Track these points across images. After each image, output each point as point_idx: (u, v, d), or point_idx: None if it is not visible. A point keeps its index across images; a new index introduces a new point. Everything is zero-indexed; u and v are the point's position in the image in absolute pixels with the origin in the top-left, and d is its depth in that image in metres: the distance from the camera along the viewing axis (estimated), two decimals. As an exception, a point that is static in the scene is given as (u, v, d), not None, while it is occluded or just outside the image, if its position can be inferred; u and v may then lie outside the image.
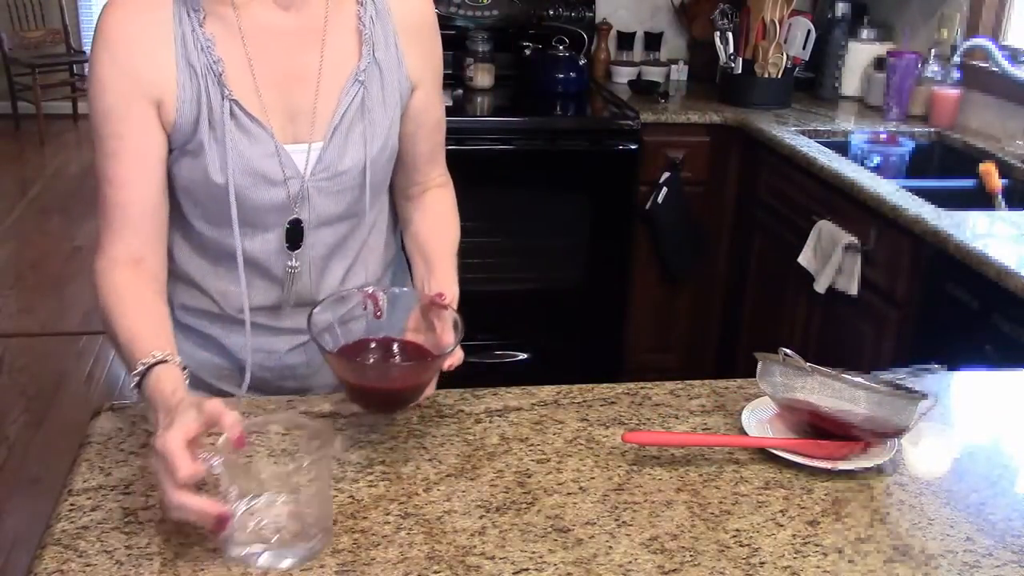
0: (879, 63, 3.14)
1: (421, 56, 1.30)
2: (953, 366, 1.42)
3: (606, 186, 3.00)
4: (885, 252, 2.25)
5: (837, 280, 2.39)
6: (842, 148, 2.71)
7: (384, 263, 1.40)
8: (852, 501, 1.06)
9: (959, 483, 1.11)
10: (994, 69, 2.67)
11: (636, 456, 1.13)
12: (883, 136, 2.77)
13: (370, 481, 1.06)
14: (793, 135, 2.76)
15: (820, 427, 1.14)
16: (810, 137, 2.77)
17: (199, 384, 1.32)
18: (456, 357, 1.13)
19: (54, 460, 2.97)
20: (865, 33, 3.23)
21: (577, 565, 0.94)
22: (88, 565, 0.91)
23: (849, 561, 0.96)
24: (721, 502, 1.05)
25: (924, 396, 1.11)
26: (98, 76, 1.15)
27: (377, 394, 1.12)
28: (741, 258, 3.05)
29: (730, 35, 3.15)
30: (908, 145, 2.71)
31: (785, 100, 3.12)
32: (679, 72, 3.47)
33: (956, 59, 2.75)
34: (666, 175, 3.02)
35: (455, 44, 3.21)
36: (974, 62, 2.82)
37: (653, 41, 3.54)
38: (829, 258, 2.40)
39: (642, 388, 1.28)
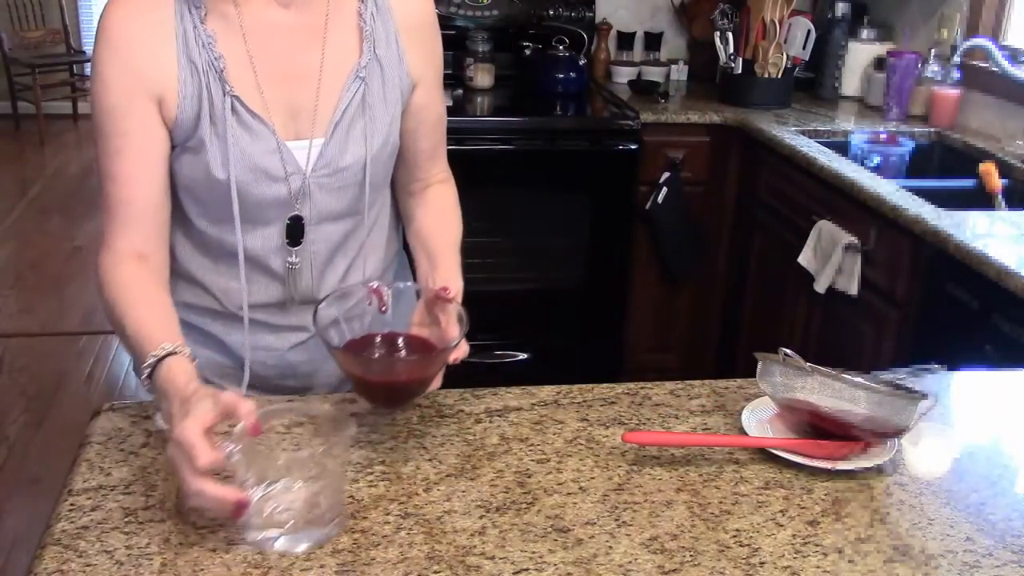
0: (879, 63, 3.14)
1: (422, 54, 1.30)
2: (953, 366, 1.42)
3: (606, 186, 3.00)
4: (885, 252, 2.25)
5: (837, 280, 2.39)
6: (842, 148, 2.71)
7: (385, 261, 1.40)
8: (852, 501, 1.06)
9: (959, 483, 1.11)
10: (994, 69, 2.67)
11: (636, 456, 1.13)
12: (883, 136, 2.77)
13: (370, 481, 1.06)
14: (793, 135, 2.76)
15: (820, 427, 1.14)
16: (810, 137, 2.77)
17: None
18: (461, 350, 1.13)
19: (54, 460, 2.97)
20: (865, 33, 3.23)
21: (577, 565, 0.94)
22: (88, 565, 0.91)
23: (849, 561, 0.96)
24: (721, 502, 1.05)
25: (924, 396, 1.11)
26: (101, 74, 1.16)
27: (383, 388, 1.13)
28: (741, 258, 3.05)
29: (730, 35, 3.15)
30: (908, 145, 2.71)
31: (785, 100, 3.12)
32: (679, 72, 3.47)
33: (956, 59, 2.75)
34: (666, 175, 3.02)
35: (455, 44, 3.22)
36: (974, 62, 2.82)
37: (653, 41, 3.54)
38: (829, 258, 2.40)
39: (642, 388, 1.28)
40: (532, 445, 1.14)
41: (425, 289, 1.22)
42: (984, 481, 1.11)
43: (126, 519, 0.98)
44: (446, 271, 1.28)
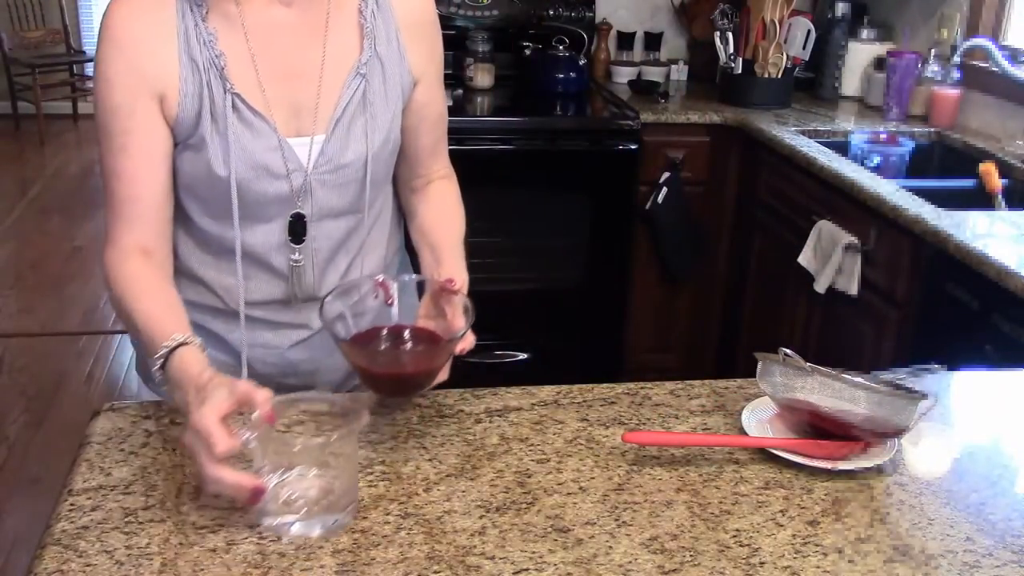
0: (879, 63, 3.14)
1: (423, 51, 1.31)
2: (953, 366, 1.42)
3: (606, 186, 3.00)
4: (885, 252, 2.25)
5: (837, 280, 2.39)
6: (842, 148, 2.71)
7: (387, 258, 1.40)
8: (852, 501, 1.06)
9: (959, 483, 1.11)
10: (994, 69, 2.67)
11: (636, 456, 1.13)
12: (883, 136, 2.77)
13: (370, 481, 1.06)
14: (793, 135, 2.76)
15: (820, 427, 1.14)
16: (810, 137, 2.77)
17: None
18: (468, 341, 1.14)
19: (54, 460, 2.97)
20: (865, 33, 3.23)
21: (577, 565, 0.94)
22: (88, 565, 0.91)
23: (849, 561, 0.96)
24: (721, 502, 1.05)
25: (924, 396, 1.11)
26: (104, 73, 1.17)
27: (390, 379, 1.14)
28: (741, 258, 3.05)
29: (730, 35, 3.15)
30: (908, 145, 2.71)
31: (785, 100, 3.12)
32: (679, 72, 3.47)
33: (956, 59, 2.75)
34: (666, 175, 3.02)
35: (455, 44, 3.21)
36: (974, 62, 2.82)
37: (653, 41, 3.54)
38: (829, 258, 2.40)
39: (642, 388, 1.28)
40: (532, 445, 1.14)
41: (431, 281, 1.23)
42: (984, 481, 1.11)
43: (126, 519, 0.98)
44: (451, 264, 1.28)
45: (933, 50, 2.97)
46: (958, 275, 1.97)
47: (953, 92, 2.85)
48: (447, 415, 1.20)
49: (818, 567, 0.95)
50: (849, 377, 1.11)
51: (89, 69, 6.99)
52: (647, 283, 3.17)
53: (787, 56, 3.08)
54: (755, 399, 1.22)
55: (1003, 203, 2.40)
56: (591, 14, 3.40)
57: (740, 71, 3.12)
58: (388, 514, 1.01)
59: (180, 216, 1.27)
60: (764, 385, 1.17)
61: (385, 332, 1.19)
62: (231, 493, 0.95)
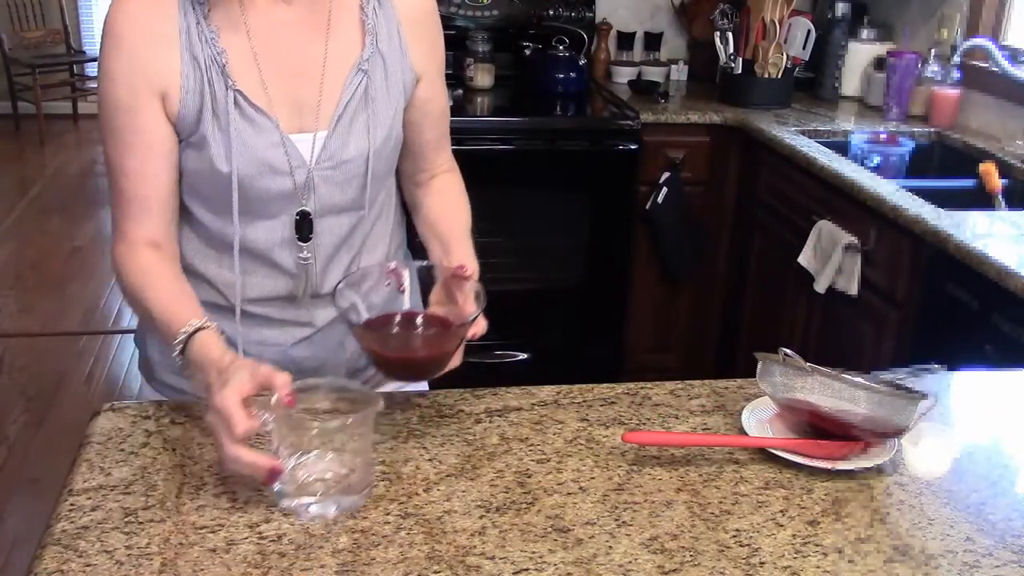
0: (879, 63, 3.14)
1: (425, 47, 1.32)
2: (953, 366, 1.42)
3: (606, 186, 3.00)
4: (885, 252, 2.25)
5: (837, 280, 2.39)
6: (842, 148, 2.71)
7: (389, 254, 1.41)
8: (852, 501, 1.06)
9: (959, 483, 1.11)
10: (994, 69, 2.67)
11: (636, 456, 1.13)
12: (883, 136, 2.77)
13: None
14: (793, 135, 2.76)
15: (820, 427, 1.14)
16: (810, 137, 2.77)
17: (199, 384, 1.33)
18: (479, 326, 1.15)
19: (54, 460, 2.96)
20: (865, 33, 3.22)
21: (577, 565, 0.94)
22: (88, 565, 0.91)
23: (849, 561, 0.96)
24: (721, 502, 1.05)
25: (924, 396, 1.11)
26: (108, 71, 1.18)
27: (403, 363, 1.15)
28: (741, 258, 3.05)
29: (730, 35, 3.15)
30: (908, 145, 2.71)
31: (785, 100, 3.12)
32: (679, 72, 3.47)
33: (956, 59, 2.75)
34: (666, 175, 3.02)
35: (455, 44, 3.21)
36: (974, 62, 2.82)
37: (653, 41, 3.54)
38: (829, 258, 2.40)
39: (642, 388, 1.28)
40: (532, 445, 1.14)
41: (442, 268, 1.24)
42: (984, 481, 1.11)
43: (126, 519, 0.98)
44: (460, 253, 1.30)
45: (933, 50, 2.97)
46: (958, 275, 1.97)
47: (953, 92, 2.85)
48: (447, 415, 1.20)
49: (818, 567, 0.95)
50: (849, 377, 1.11)
51: (89, 69, 7.00)
52: (647, 283, 3.17)
53: (787, 56, 3.08)
54: (755, 399, 1.22)
55: (1003, 203, 2.40)
56: (591, 14, 3.40)
57: (740, 71, 3.12)
58: (388, 514, 1.01)
59: (183, 213, 1.28)
60: (764, 385, 1.17)
61: (398, 318, 1.21)
62: (249, 472, 0.98)
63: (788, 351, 1.14)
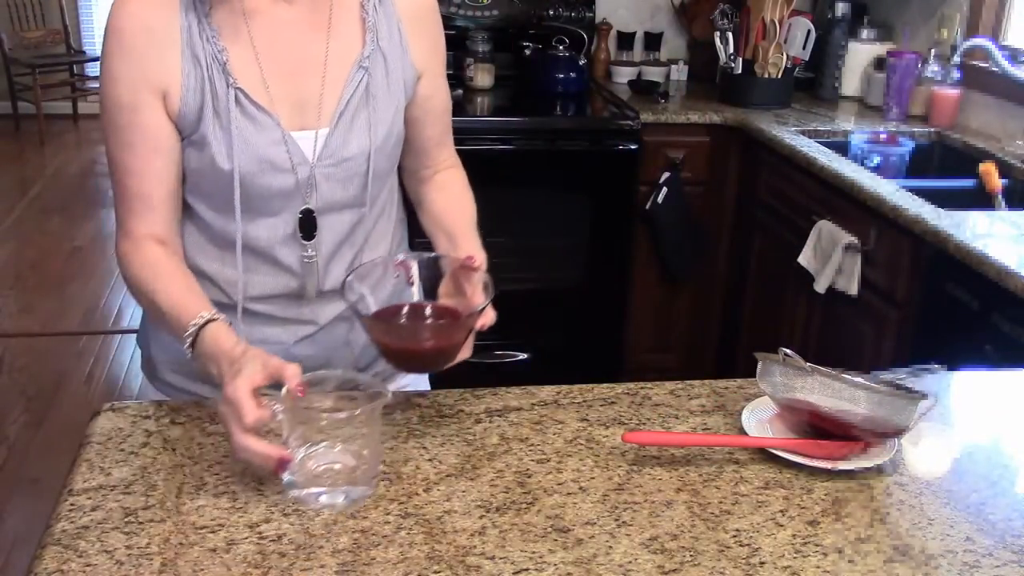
0: (879, 63, 3.14)
1: (426, 44, 1.32)
2: (953, 366, 1.42)
3: (606, 186, 3.00)
4: (885, 252, 2.25)
5: (837, 280, 2.39)
6: (842, 148, 2.71)
7: (391, 252, 1.41)
8: (852, 501, 1.06)
9: (959, 483, 1.11)
10: (994, 69, 2.67)
11: (636, 456, 1.13)
12: (883, 136, 2.77)
13: (370, 481, 1.06)
14: (793, 135, 2.76)
15: (820, 427, 1.14)
16: (810, 137, 2.77)
17: (208, 378, 1.33)
18: (488, 317, 1.16)
19: (54, 460, 2.96)
20: (865, 33, 3.22)
21: (577, 565, 0.94)
22: (88, 565, 0.92)
23: (849, 561, 0.96)
24: (721, 502, 1.05)
25: (924, 396, 1.11)
26: (110, 70, 1.19)
27: (412, 354, 1.16)
28: (741, 258, 3.05)
29: (730, 35, 3.14)
30: (908, 145, 2.71)
31: (785, 100, 3.12)
32: (679, 72, 3.47)
33: (956, 59, 2.75)
34: (666, 175, 3.02)
35: (455, 44, 3.21)
36: (974, 62, 2.82)
37: (653, 41, 3.54)
38: (829, 258, 2.40)
39: (642, 388, 1.28)
40: (532, 445, 1.14)
41: (451, 260, 1.24)
42: (984, 481, 1.11)
43: (126, 519, 0.98)
44: (467, 245, 1.30)
45: (933, 50, 2.97)
46: (958, 275, 1.97)
47: (953, 92, 2.85)
48: (447, 415, 1.20)
49: (818, 567, 0.95)
50: (849, 377, 1.11)
51: (89, 69, 7.00)
52: (647, 283, 3.17)
53: (787, 56, 3.08)
54: (755, 399, 1.22)
55: (1003, 203, 2.40)
56: (591, 14, 3.40)
57: (740, 71, 3.12)
58: (388, 514, 1.01)
59: (186, 211, 1.28)
60: (764, 385, 1.17)
61: (406, 309, 1.21)
62: (259, 462, 1.01)
63: (788, 351, 1.14)
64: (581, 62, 3.24)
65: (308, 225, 1.27)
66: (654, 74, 3.43)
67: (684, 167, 3.05)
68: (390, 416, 1.18)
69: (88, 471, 1.06)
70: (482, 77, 3.22)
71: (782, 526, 1.01)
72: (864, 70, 3.22)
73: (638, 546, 0.97)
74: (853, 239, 2.33)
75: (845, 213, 2.40)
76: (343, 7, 1.26)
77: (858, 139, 2.74)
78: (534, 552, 0.96)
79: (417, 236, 1.44)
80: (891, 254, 2.23)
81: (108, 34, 1.18)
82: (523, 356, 3.10)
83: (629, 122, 2.96)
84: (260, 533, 0.97)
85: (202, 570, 0.91)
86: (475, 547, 0.96)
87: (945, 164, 2.80)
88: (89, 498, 1.01)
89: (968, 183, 2.49)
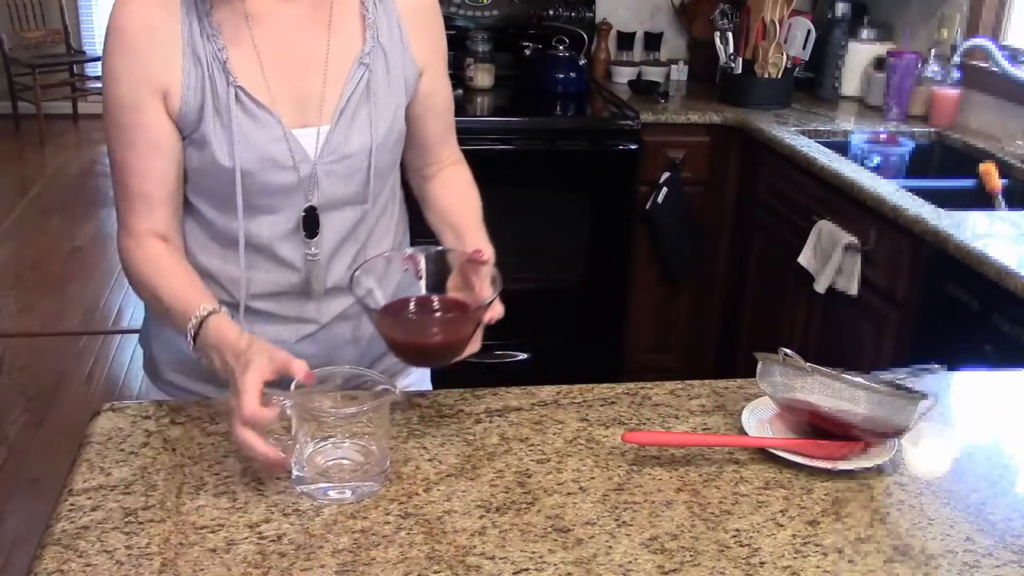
0: (879, 63, 3.14)
1: (426, 41, 1.33)
2: (953, 366, 1.42)
3: (606, 186, 3.00)
4: (885, 252, 2.25)
5: (837, 280, 2.39)
6: (842, 148, 2.71)
7: (393, 249, 1.41)
8: (852, 501, 1.06)
9: (959, 483, 1.11)
10: (994, 69, 2.67)
11: (636, 456, 1.13)
12: (883, 136, 2.77)
13: (370, 481, 1.06)
14: (793, 135, 2.76)
15: (820, 427, 1.14)
16: (810, 137, 2.77)
17: (210, 377, 1.33)
18: (495, 311, 1.17)
19: (54, 460, 2.96)
20: (865, 33, 3.22)
21: (577, 565, 0.94)
22: (88, 565, 0.92)
23: (849, 561, 0.96)
24: (721, 502, 1.05)
25: (924, 396, 1.11)
26: (111, 69, 1.19)
27: (420, 348, 1.17)
28: (741, 258, 3.05)
29: (730, 35, 3.14)
30: (908, 145, 2.71)
31: (785, 100, 3.12)
32: (679, 72, 3.47)
33: (956, 59, 2.75)
34: (666, 175, 3.02)
35: (455, 44, 3.21)
36: (974, 62, 2.82)
37: (653, 41, 3.54)
38: (829, 258, 2.40)
39: (642, 388, 1.28)
40: (532, 445, 1.14)
41: (459, 253, 1.25)
42: (984, 481, 1.11)
43: (126, 519, 0.98)
44: (474, 240, 1.30)
45: (933, 50, 2.97)
46: (958, 275, 1.97)
47: (953, 92, 2.85)
48: (447, 415, 1.20)
49: (818, 567, 0.95)
50: (849, 377, 1.11)
51: (89, 69, 7.00)
52: (647, 283, 3.17)
53: (787, 56, 3.08)
54: (755, 399, 1.22)
55: (1003, 203, 2.40)
56: (591, 14, 3.40)
57: (740, 71, 3.12)
58: (388, 514, 1.01)
59: (188, 209, 1.29)
60: (764, 385, 1.17)
61: (414, 303, 1.21)
62: (253, 460, 1.03)
63: (788, 351, 1.14)
64: (581, 62, 3.24)
65: (311, 222, 1.27)
66: (654, 74, 3.43)
67: (684, 167, 3.05)
68: (391, 416, 1.18)
69: (88, 471, 1.06)
70: (482, 77, 3.22)
71: (782, 526, 1.01)
72: (864, 70, 3.22)
73: (638, 546, 0.97)
74: (853, 239, 2.33)
75: (845, 213, 2.40)
76: (343, 5, 1.26)
77: (858, 139, 2.75)
78: (534, 552, 0.96)
79: (417, 236, 1.44)
80: (891, 254, 2.23)
81: (109, 33, 1.19)
82: (523, 356, 3.10)
83: (629, 122, 2.96)
84: (260, 533, 0.97)
85: (202, 570, 0.91)
86: (475, 547, 0.96)
87: (945, 164, 2.80)
88: (89, 498, 1.01)
89: (968, 183, 2.49)
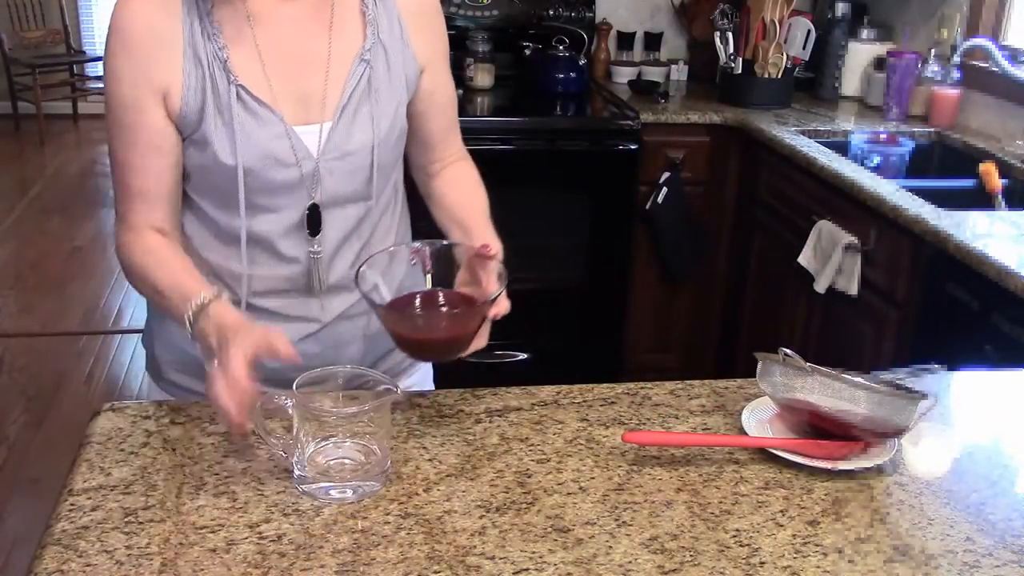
0: (879, 63, 3.14)
1: (427, 38, 1.33)
2: (953, 366, 1.42)
3: (606, 186, 3.00)
4: (885, 252, 2.25)
5: (837, 280, 2.39)
6: (842, 148, 2.71)
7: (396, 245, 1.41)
8: (852, 501, 1.06)
9: (959, 483, 1.11)
10: (994, 69, 2.67)
11: (636, 456, 1.13)
12: (883, 136, 2.77)
13: (370, 481, 1.06)
14: (793, 135, 2.76)
15: (820, 427, 1.14)
16: (810, 137, 2.77)
17: None
18: (501, 306, 1.17)
19: (54, 460, 2.96)
20: (865, 33, 3.22)
21: (577, 565, 0.94)
22: (88, 565, 0.91)
23: (849, 561, 0.96)
24: (721, 502, 1.05)
25: (924, 396, 1.11)
26: (112, 69, 1.20)
27: (425, 343, 1.17)
28: (741, 258, 3.05)
29: (730, 35, 3.14)
30: (908, 145, 2.71)
31: (785, 100, 3.12)
32: (679, 72, 3.47)
33: (956, 59, 2.75)
34: (666, 175, 3.02)
35: (455, 44, 3.17)
36: (974, 62, 2.82)
37: (653, 41, 3.54)
38: (829, 258, 2.40)
39: (642, 388, 1.28)
40: (532, 445, 1.14)
41: (466, 248, 1.25)
42: (984, 481, 1.11)
43: (126, 519, 0.98)
44: (482, 235, 1.30)
45: (933, 50, 2.97)
46: (958, 275, 1.97)
47: (953, 92, 2.85)
48: (447, 415, 1.20)
49: (818, 567, 0.95)
50: (849, 377, 1.11)
51: (89, 69, 7.00)
52: (647, 283, 3.17)
53: (787, 56, 3.08)
54: (755, 399, 1.22)
55: (1003, 203, 2.40)
56: (591, 14, 3.40)
57: (740, 71, 3.12)
58: (388, 514, 1.01)
59: (191, 207, 1.29)
60: (764, 385, 1.17)
61: (419, 298, 1.22)
62: (222, 416, 1.04)
63: (788, 351, 1.14)
64: (581, 62, 3.24)
65: (314, 220, 1.28)
66: (654, 74, 3.43)
67: (684, 167, 3.05)
68: (391, 416, 1.18)
69: (88, 471, 1.06)
70: (482, 77, 3.22)
71: (782, 526, 1.01)
72: (864, 70, 3.22)
73: (638, 546, 0.97)
74: (853, 239, 2.33)
75: (845, 213, 2.40)
76: (344, 5, 1.27)
77: (858, 139, 2.75)
78: (534, 552, 0.96)
79: (419, 234, 1.44)
80: (891, 254, 2.23)
81: (111, 33, 1.19)
82: (523, 356, 3.10)
83: (629, 122, 2.96)
84: (260, 533, 0.97)
85: (202, 570, 0.91)
86: (475, 547, 0.96)
87: (945, 164, 2.80)
88: (89, 498, 1.01)
89: (968, 183, 2.49)
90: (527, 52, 3.30)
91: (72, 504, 1.00)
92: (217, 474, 1.06)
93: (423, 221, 1.44)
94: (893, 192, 2.25)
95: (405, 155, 1.40)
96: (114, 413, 1.18)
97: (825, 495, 1.07)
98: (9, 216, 5.24)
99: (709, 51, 3.28)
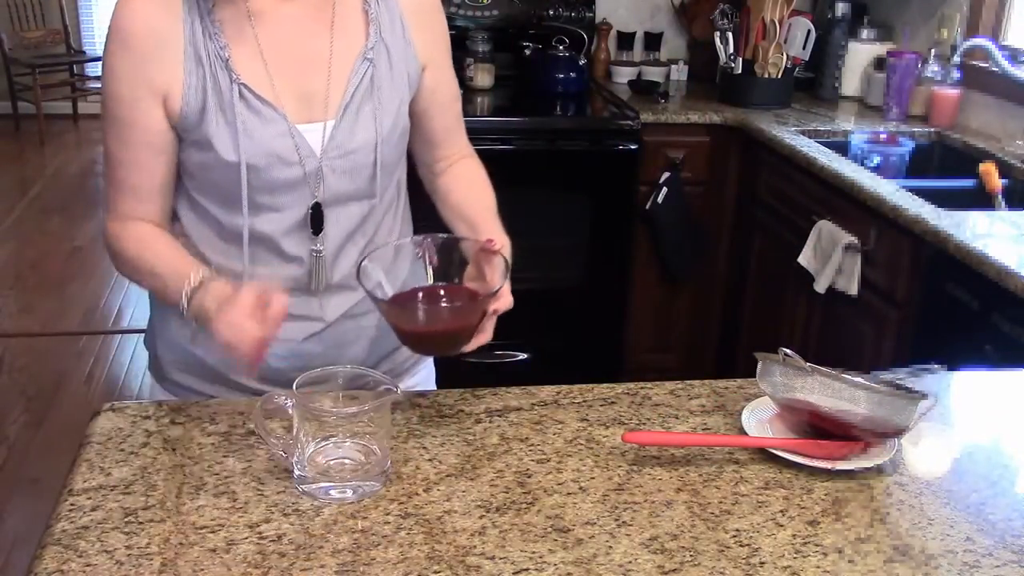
0: (879, 63, 3.14)
1: (428, 37, 1.34)
2: (953, 366, 1.42)
3: (606, 186, 3.00)
4: (885, 252, 2.25)
5: (837, 280, 2.39)
6: (842, 148, 2.71)
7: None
8: (852, 501, 1.06)
9: (959, 483, 1.11)
10: (994, 69, 2.67)
11: (636, 456, 1.13)
12: (883, 136, 2.77)
13: (370, 481, 1.06)
14: (793, 135, 2.76)
15: (820, 427, 1.14)
16: (810, 137, 2.77)
17: (215, 377, 1.34)
18: (504, 301, 1.17)
19: (54, 460, 2.96)
20: (865, 33, 3.22)
21: (577, 565, 0.94)
22: (88, 565, 0.91)
23: (849, 561, 0.96)
24: (721, 502, 1.05)
25: (924, 396, 1.11)
26: (111, 67, 1.20)
27: (427, 337, 1.18)
28: (741, 258, 3.05)
29: (730, 35, 3.14)
30: (908, 145, 2.71)
31: (785, 100, 3.12)
32: (679, 72, 3.47)
33: (956, 59, 2.75)
34: (666, 175, 3.02)
35: (455, 44, 3.16)
36: (974, 62, 2.82)
37: (653, 41, 3.54)
38: (829, 258, 2.40)
39: (642, 388, 1.28)
40: (532, 445, 1.14)
41: (471, 242, 1.25)
42: (984, 481, 1.11)
43: (126, 519, 0.98)
44: (488, 230, 1.31)
45: (933, 50, 2.97)
46: (958, 275, 1.97)
47: (953, 92, 2.85)
48: (447, 415, 1.20)
49: (818, 567, 0.95)
50: (849, 377, 1.11)
51: (89, 69, 7.00)
52: (647, 283, 3.17)
53: (787, 56, 3.08)
54: (755, 399, 1.22)
55: (1003, 203, 2.40)
56: (591, 14, 3.40)
57: (740, 71, 3.12)
58: (388, 514, 1.01)
59: (193, 206, 1.29)
60: (764, 385, 1.17)
61: (422, 292, 1.22)
62: (238, 341, 1.08)
63: (788, 351, 1.14)
64: (581, 62, 3.24)
65: (317, 218, 1.28)
66: (654, 74, 3.43)
67: (684, 167, 3.05)
68: (391, 416, 1.18)
69: (88, 471, 1.06)
70: (482, 77, 3.22)
71: (782, 526, 1.01)
72: (864, 70, 3.22)
73: (638, 546, 0.97)
74: (853, 239, 2.33)
75: (845, 213, 2.40)
76: (345, 4, 1.27)
77: (858, 139, 2.74)
78: (534, 552, 0.96)
79: (421, 233, 1.44)
80: (891, 254, 2.23)
81: (111, 33, 1.19)
82: (523, 356, 3.10)
83: (629, 122, 2.96)
84: (260, 533, 0.97)
85: (202, 570, 0.91)
86: (475, 547, 0.96)
87: (945, 164, 2.80)
88: (89, 498, 1.01)
89: (968, 183, 2.49)
90: (527, 52, 3.30)
91: (72, 504, 1.00)
92: (217, 474, 1.06)
93: (425, 220, 1.44)
94: (893, 192, 2.25)
95: (411, 153, 1.41)
96: (114, 413, 1.18)
97: (825, 495, 1.07)
98: (9, 216, 5.24)
99: (709, 51, 3.28)
